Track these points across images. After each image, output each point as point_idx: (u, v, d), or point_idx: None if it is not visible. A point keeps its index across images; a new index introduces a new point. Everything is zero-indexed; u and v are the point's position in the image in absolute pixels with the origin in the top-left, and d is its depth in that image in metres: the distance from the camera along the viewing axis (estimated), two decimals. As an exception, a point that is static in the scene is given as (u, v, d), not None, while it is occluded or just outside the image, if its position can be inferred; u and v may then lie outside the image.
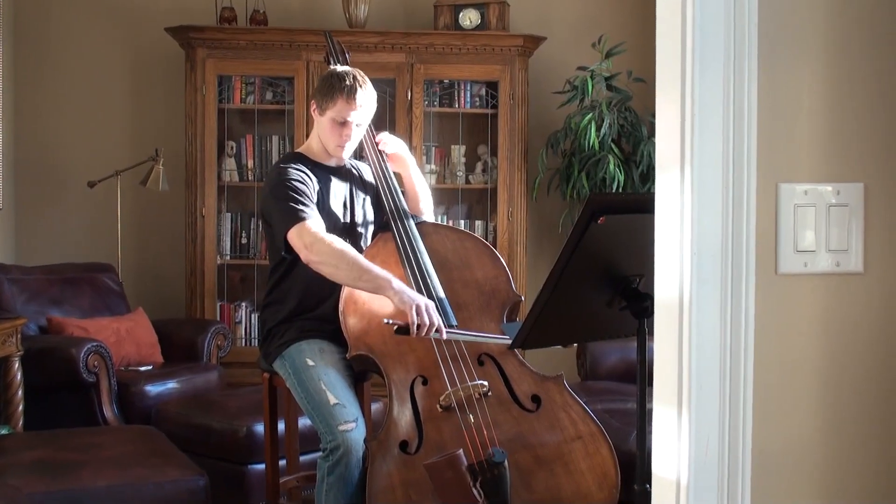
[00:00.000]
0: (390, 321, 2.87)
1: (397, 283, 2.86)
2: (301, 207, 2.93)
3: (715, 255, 1.32)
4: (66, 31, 5.74)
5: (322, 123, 3.08)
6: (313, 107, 3.11)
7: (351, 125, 3.04)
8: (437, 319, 2.84)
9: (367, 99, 3.05)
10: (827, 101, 1.36)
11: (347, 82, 3.02)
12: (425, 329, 2.82)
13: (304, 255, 2.91)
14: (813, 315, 1.37)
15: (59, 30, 5.74)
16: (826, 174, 1.37)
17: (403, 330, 2.84)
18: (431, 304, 2.87)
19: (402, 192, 3.22)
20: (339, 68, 3.13)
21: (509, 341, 2.91)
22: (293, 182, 2.98)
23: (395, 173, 3.23)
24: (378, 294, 2.89)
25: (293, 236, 2.91)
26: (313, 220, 2.93)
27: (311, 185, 3.01)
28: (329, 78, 3.07)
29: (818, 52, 1.36)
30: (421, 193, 3.24)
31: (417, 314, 2.80)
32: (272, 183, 3.04)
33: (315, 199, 3.01)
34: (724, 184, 1.32)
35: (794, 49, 1.35)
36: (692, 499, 1.32)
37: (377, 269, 2.88)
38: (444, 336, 2.86)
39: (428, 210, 3.27)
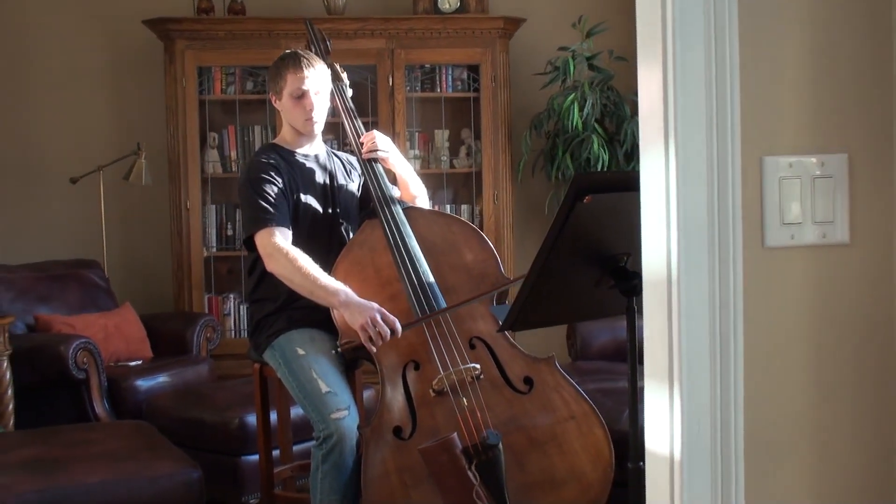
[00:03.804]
0: (341, 343, 2.87)
1: (344, 298, 2.85)
2: (264, 215, 2.95)
3: (701, 230, 1.32)
4: (44, 26, 5.69)
5: (285, 107, 3.12)
6: (272, 98, 3.16)
7: (309, 94, 3.06)
8: (387, 328, 2.80)
9: (314, 64, 3.09)
10: (809, 73, 1.36)
11: (290, 57, 3.09)
12: (379, 341, 2.81)
13: (265, 263, 2.96)
14: (801, 287, 1.38)
15: (37, 25, 5.68)
16: (810, 146, 1.37)
17: (357, 346, 2.85)
18: (380, 312, 2.83)
19: (394, 181, 3.21)
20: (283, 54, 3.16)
21: (486, 297, 2.92)
22: (262, 183, 3.00)
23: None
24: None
25: (257, 241, 2.96)
26: (277, 227, 2.95)
27: (279, 182, 3.01)
28: (273, 65, 3.15)
29: (799, 23, 1.36)
30: (410, 180, 3.23)
31: (364, 330, 2.79)
32: (242, 180, 3.08)
33: (286, 195, 3.01)
34: (708, 159, 1.31)
35: (775, 20, 1.35)
36: (686, 475, 1.33)
37: (331, 286, 2.87)
38: (400, 333, 2.83)
39: (422, 195, 3.25)
